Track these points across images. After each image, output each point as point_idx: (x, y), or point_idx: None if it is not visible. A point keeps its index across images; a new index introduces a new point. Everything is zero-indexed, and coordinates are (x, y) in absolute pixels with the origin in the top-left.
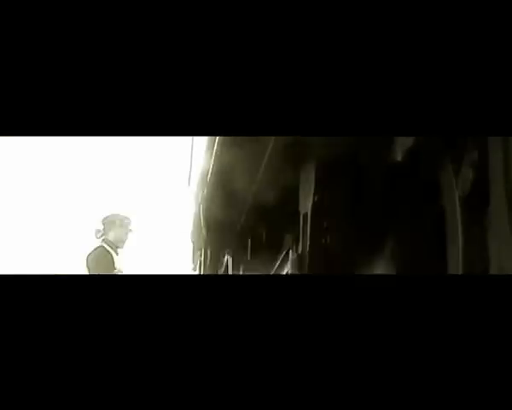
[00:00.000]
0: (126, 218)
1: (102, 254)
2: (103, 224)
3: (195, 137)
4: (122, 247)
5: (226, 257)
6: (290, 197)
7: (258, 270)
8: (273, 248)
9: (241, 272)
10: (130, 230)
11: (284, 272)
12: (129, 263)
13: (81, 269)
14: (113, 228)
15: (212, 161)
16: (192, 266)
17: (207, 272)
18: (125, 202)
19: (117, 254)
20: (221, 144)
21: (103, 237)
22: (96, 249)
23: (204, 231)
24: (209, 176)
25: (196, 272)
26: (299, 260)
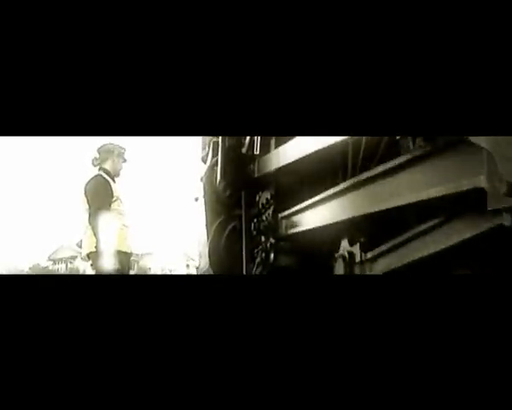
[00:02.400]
0: (122, 147)
1: (101, 182)
2: (99, 152)
3: None
4: (118, 176)
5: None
6: None
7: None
8: None
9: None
10: (125, 160)
11: None
12: (127, 191)
13: (79, 198)
14: (111, 157)
15: None
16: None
17: (226, 156)
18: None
19: (114, 181)
20: None
21: (100, 166)
22: (93, 178)
23: None
24: None
25: (209, 160)
26: None
